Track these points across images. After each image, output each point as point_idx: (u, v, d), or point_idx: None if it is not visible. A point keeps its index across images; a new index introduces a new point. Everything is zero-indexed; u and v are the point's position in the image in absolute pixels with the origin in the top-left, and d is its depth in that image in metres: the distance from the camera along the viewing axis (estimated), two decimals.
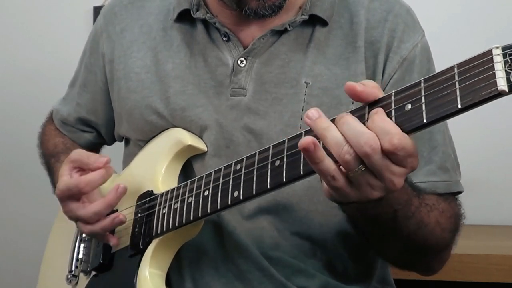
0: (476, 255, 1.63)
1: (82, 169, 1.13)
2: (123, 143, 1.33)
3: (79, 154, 1.14)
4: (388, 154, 0.77)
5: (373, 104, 0.81)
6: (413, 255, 1.07)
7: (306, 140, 0.78)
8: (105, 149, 1.45)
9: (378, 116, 0.78)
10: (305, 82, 1.11)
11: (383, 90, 1.09)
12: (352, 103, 1.08)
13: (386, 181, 0.80)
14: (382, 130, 0.77)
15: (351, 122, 0.79)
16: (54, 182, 1.31)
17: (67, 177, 1.12)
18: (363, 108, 0.82)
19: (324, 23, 1.13)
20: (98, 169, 1.10)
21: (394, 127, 0.77)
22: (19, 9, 2.19)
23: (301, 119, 1.09)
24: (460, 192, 1.13)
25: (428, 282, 1.57)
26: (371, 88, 0.81)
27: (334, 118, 0.81)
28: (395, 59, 1.11)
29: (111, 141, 1.38)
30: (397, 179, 0.80)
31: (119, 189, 1.10)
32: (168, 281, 1.10)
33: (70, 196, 1.11)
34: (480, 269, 1.62)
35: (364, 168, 0.78)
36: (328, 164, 0.80)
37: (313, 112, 0.80)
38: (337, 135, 0.78)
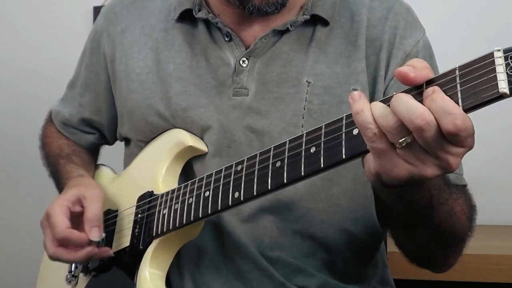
0: (476, 255, 1.63)
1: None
2: (123, 143, 1.33)
3: (91, 201, 1.14)
4: (449, 136, 0.73)
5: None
6: (439, 245, 1.05)
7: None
8: (106, 149, 1.45)
9: (438, 95, 0.73)
10: (306, 81, 1.11)
11: (387, 86, 1.11)
12: None
13: (442, 161, 0.75)
14: (444, 110, 0.72)
15: (403, 97, 0.74)
16: (59, 181, 1.31)
17: (67, 205, 1.14)
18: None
19: (325, 22, 1.13)
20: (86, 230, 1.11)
21: (456, 107, 0.72)
22: (19, 9, 2.19)
23: (303, 118, 1.09)
24: (465, 186, 1.13)
25: (428, 282, 1.57)
26: (423, 70, 0.76)
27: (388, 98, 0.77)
28: (398, 55, 1.11)
29: (113, 141, 1.38)
30: (454, 159, 0.76)
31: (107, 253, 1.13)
32: (167, 280, 1.10)
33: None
34: (480, 269, 1.62)
35: (410, 140, 0.74)
36: (368, 115, 0.76)
37: (355, 94, 0.77)
38: (383, 110, 0.75)
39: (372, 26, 1.13)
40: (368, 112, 0.76)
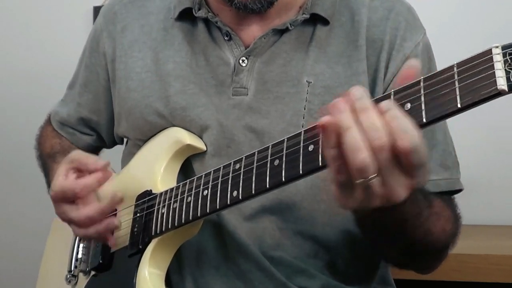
0: (476, 255, 1.63)
1: (80, 170, 1.14)
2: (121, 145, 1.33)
3: (78, 154, 1.15)
4: (401, 156, 0.72)
5: (379, 100, 0.76)
6: (416, 257, 1.06)
7: (326, 119, 0.74)
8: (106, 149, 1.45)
9: (395, 111, 0.72)
10: (307, 81, 1.11)
11: (386, 88, 1.11)
12: None
13: (392, 190, 0.75)
14: (400, 128, 0.71)
15: (375, 120, 0.72)
16: (49, 183, 1.30)
17: (62, 178, 1.13)
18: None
19: (325, 21, 1.13)
20: (95, 172, 1.11)
21: (413, 127, 0.71)
22: (19, 9, 2.18)
23: (303, 118, 1.09)
24: (460, 190, 1.14)
25: (428, 282, 1.57)
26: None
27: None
28: (398, 57, 1.11)
29: (111, 143, 1.38)
30: (403, 190, 0.75)
31: (115, 198, 1.11)
32: (168, 280, 1.10)
33: (64, 199, 1.12)
34: (480, 269, 1.62)
35: (375, 178, 0.72)
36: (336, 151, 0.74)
37: (340, 105, 0.74)
38: (357, 137, 0.72)
39: (373, 26, 1.13)
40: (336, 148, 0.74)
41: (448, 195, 1.12)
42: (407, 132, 0.71)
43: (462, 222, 1.10)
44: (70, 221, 1.14)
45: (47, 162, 1.34)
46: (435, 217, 0.99)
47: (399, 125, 0.71)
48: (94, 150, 1.40)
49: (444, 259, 1.11)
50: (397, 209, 0.81)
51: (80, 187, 1.11)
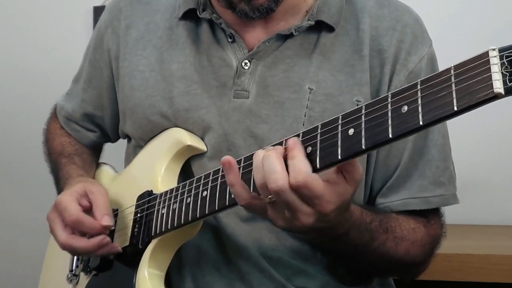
0: (476, 255, 1.63)
1: (90, 203, 1.15)
2: (125, 141, 1.33)
3: (97, 194, 1.15)
4: (295, 190, 0.83)
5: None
6: (382, 273, 1.16)
7: (227, 157, 0.89)
8: (107, 147, 1.44)
9: (295, 152, 0.84)
10: (308, 87, 1.10)
11: None
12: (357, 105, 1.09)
13: (294, 217, 0.86)
14: (294, 168, 0.83)
15: (271, 158, 0.84)
16: (59, 181, 1.30)
17: (76, 196, 1.14)
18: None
19: (330, 28, 1.12)
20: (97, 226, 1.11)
21: (305, 166, 0.83)
22: (19, 9, 2.19)
23: (303, 124, 1.08)
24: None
25: (428, 282, 1.57)
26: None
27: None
28: (402, 71, 1.10)
29: (115, 138, 1.38)
30: (304, 217, 0.86)
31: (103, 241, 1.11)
32: (168, 280, 1.10)
33: (71, 228, 1.13)
34: (480, 269, 1.62)
35: (273, 199, 0.86)
36: (241, 190, 0.89)
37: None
38: (259, 166, 0.86)
39: (379, 36, 1.11)
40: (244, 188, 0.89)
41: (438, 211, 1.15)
42: (300, 172, 0.82)
43: (442, 240, 1.15)
44: (54, 235, 1.15)
45: (59, 160, 1.33)
46: (395, 241, 1.06)
47: (294, 165, 0.83)
48: (98, 146, 1.41)
49: (422, 270, 1.15)
50: (341, 238, 0.96)
51: (84, 227, 1.11)
